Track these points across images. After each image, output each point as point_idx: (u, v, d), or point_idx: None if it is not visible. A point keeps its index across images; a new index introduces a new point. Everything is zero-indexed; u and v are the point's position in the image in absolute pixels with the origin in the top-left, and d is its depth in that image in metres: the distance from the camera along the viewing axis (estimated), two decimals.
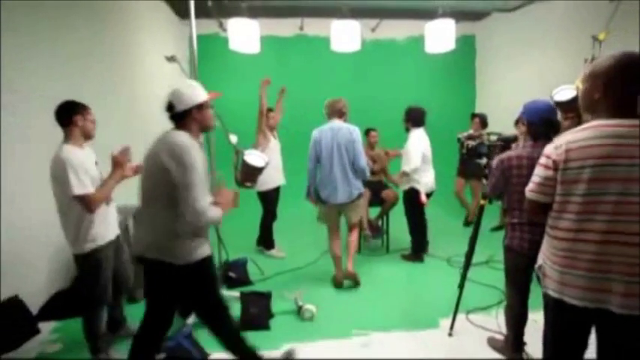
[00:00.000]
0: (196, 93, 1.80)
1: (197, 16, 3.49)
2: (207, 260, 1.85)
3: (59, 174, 1.99)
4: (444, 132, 5.43)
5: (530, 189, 1.50)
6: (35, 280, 2.80)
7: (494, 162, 2.20)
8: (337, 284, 3.32)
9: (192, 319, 2.56)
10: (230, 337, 1.96)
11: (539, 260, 1.57)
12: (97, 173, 2.19)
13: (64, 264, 3.04)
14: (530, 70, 5.47)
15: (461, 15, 5.69)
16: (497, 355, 2.36)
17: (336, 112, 3.26)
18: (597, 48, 3.42)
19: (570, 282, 1.40)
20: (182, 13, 5.97)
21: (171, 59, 3.05)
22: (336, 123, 3.24)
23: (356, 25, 4.59)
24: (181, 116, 1.78)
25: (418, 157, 3.57)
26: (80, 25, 3.36)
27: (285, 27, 6.41)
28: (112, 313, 2.50)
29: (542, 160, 1.43)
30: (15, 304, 2.50)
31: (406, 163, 3.64)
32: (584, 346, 1.52)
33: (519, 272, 2.18)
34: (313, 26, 6.35)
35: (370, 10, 5.67)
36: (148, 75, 4.84)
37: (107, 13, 3.88)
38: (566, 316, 1.48)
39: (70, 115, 2.11)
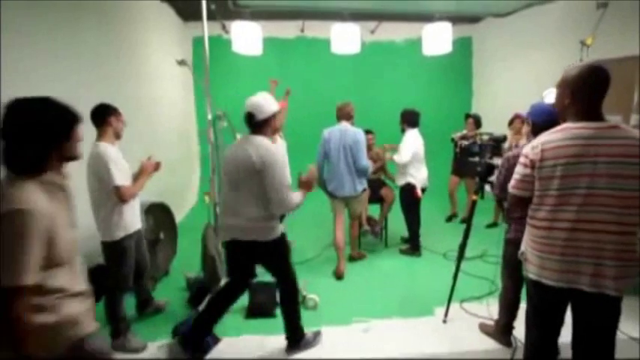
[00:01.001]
0: (271, 103, 2.22)
1: (200, 18, 3.63)
2: (284, 235, 2.33)
3: (99, 168, 2.23)
4: (441, 132, 5.62)
5: (511, 185, 1.70)
6: None
7: (501, 161, 2.35)
8: (338, 276, 3.54)
9: (203, 307, 2.76)
10: (292, 304, 2.45)
11: (522, 247, 1.78)
12: (128, 168, 2.43)
13: (80, 257, 3.23)
14: (524, 72, 5.68)
15: (458, 18, 5.88)
16: (487, 339, 2.56)
17: (345, 114, 3.59)
18: (585, 51, 3.63)
19: (547, 266, 1.60)
20: (185, 15, 6.16)
21: (181, 63, 3.24)
22: (344, 125, 3.55)
23: (355, 29, 4.78)
24: (260, 124, 2.18)
25: (408, 154, 3.83)
26: (88, 26, 3.47)
27: (287, 29, 6.60)
28: (139, 296, 2.81)
29: (522, 159, 1.63)
30: None
31: (398, 156, 3.94)
32: (560, 322, 1.72)
33: (518, 264, 2.36)
34: (314, 28, 6.54)
35: (369, 12, 5.86)
36: (154, 75, 5.01)
37: (114, 14, 4.03)
38: (545, 296, 1.68)
39: (104, 116, 2.36)
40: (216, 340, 2.54)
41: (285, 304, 2.45)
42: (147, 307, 2.88)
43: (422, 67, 6.90)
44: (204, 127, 3.31)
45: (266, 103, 2.19)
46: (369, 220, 4.61)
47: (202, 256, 3.00)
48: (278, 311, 2.89)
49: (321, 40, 6.30)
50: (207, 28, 3.16)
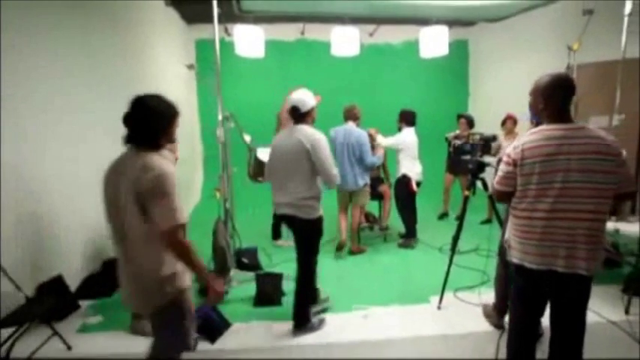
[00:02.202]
0: (310, 98, 2.65)
1: (203, 21, 3.76)
2: (321, 219, 2.65)
3: None
4: (437, 132, 5.83)
5: (496, 181, 1.93)
6: (73, 262, 3.21)
7: (496, 160, 2.56)
8: (339, 247, 4.09)
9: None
10: (305, 287, 2.71)
11: (506, 235, 2.00)
12: None
13: (95, 251, 3.49)
14: (517, 74, 5.91)
15: (453, 21, 6.10)
16: (479, 323, 2.78)
17: (352, 116, 4.03)
18: (572, 56, 3.87)
19: (528, 250, 1.82)
20: (188, 18, 6.36)
21: (190, 67, 3.45)
22: (350, 125, 3.98)
23: (355, 32, 4.99)
24: (303, 115, 2.61)
25: (392, 141, 4.32)
26: (97, 28, 3.65)
27: (287, 31, 6.81)
28: None
29: (505, 158, 1.85)
30: (59, 282, 2.91)
31: (380, 137, 4.37)
32: (543, 303, 1.93)
33: None
34: (314, 31, 6.74)
35: (368, 16, 6.07)
36: (161, 77, 5.21)
37: (122, 17, 4.24)
38: (527, 278, 1.90)
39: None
40: (228, 325, 2.75)
41: (299, 285, 2.70)
42: None
43: (419, 69, 7.13)
44: (211, 128, 3.49)
45: (307, 98, 2.63)
46: (367, 216, 4.85)
47: (213, 248, 3.21)
48: (284, 300, 3.13)
49: (321, 43, 6.50)
50: (217, 33, 3.37)
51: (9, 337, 2.25)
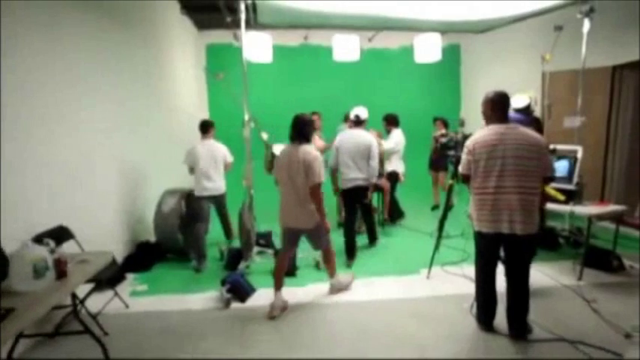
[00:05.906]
0: (365, 112, 4.42)
1: (214, 27, 4.23)
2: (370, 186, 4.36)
3: (224, 151, 4.40)
4: (431, 131, 6.65)
5: (460, 167, 2.74)
6: (116, 244, 4.00)
7: None
8: (341, 225, 4.98)
9: (242, 266, 3.79)
10: (372, 223, 4.64)
11: (469, 210, 2.80)
12: None
13: (131, 236, 4.31)
14: (503, 78, 6.73)
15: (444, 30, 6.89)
16: (459, 288, 3.56)
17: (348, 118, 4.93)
18: (544, 64, 4.70)
19: (483, 219, 2.61)
20: (199, 25, 7.15)
21: (217, 76, 4.26)
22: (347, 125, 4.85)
23: (355, 39, 5.74)
24: (362, 122, 4.36)
25: (392, 143, 5.36)
26: (117, 30, 4.23)
27: (292, 37, 7.57)
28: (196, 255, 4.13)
29: (465, 149, 2.66)
30: (110, 258, 3.69)
31: (385, 141, 5.33)
32: (496, 257, 2.74)
33: None
34: (317, 36, 7.52)
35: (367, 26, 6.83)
36: (177, 76, 6.01)
37: (145, 23, 5.00)
38: (483, 241, 2.70)
39: (208, 126, 4.45)
40: (253, 290, 3.53)
41: (367, 224, 4.66)
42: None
43: (415, 72, 7.94)
44: (224, 127, 4.30)
45: (364, 111, 4.43)
46: None
47: (239, 229, 4.00)
48: (298, 273, 3.93)
49: (323, 48, 7.26)
50: (245, 41, 4.09)
51: (86, 296, 3.04)
